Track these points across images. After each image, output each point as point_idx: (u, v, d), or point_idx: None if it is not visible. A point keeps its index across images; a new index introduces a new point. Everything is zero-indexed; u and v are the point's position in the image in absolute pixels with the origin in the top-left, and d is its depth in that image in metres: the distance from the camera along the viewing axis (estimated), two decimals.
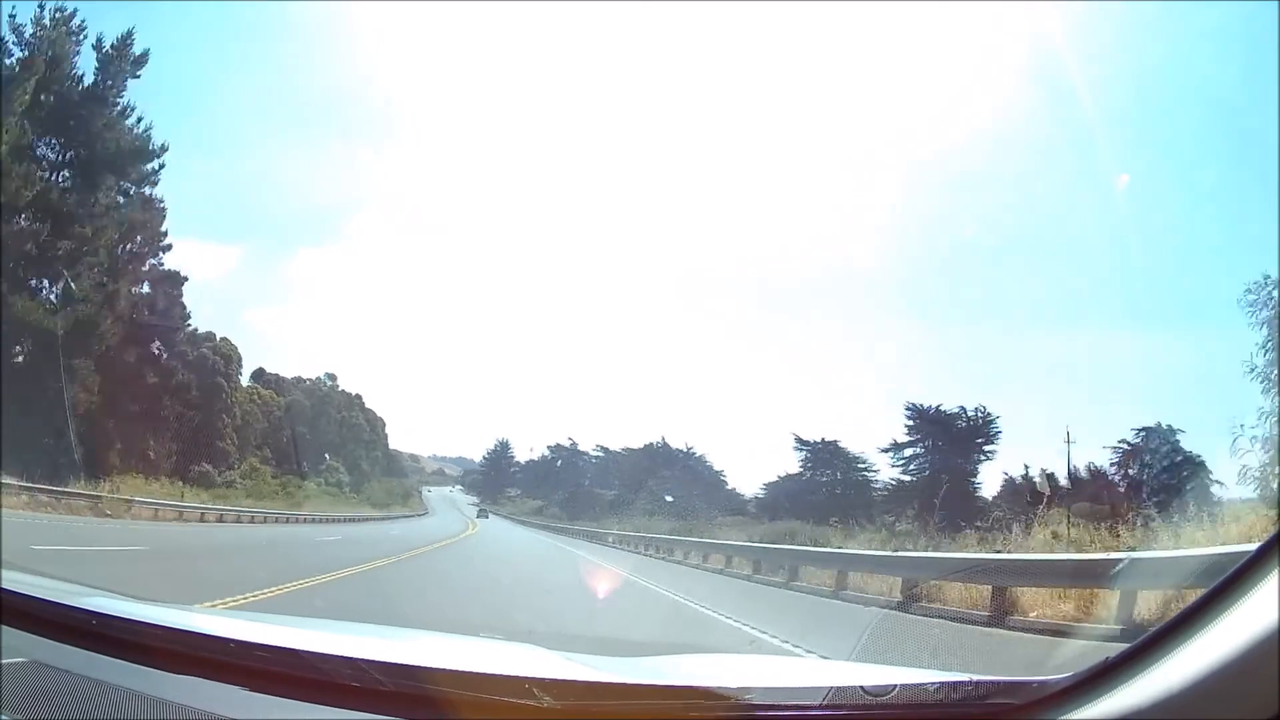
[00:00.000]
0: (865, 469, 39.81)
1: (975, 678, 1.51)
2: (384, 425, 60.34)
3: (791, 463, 41.79)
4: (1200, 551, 6.99)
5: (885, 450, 37.94)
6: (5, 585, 2.03)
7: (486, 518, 55.42)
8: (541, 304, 72.22)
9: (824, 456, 40.78)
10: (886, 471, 38.45)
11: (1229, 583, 1.15)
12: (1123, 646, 1.29)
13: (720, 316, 62.76)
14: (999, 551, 11.79)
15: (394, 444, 64.03)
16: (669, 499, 41.11)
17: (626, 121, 62.04)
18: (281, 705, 1.57)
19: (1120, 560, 7.38)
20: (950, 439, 35.85)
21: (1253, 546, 1.17)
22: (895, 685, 1.51)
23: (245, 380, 48.73)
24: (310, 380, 54.52)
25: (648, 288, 66.72)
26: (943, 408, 36.59)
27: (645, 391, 70.21)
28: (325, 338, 75.61)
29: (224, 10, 49.09)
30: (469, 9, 48.00)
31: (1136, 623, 6.47)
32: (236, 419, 44.42)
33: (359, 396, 56.54)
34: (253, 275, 59.19)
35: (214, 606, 5.91)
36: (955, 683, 1.51)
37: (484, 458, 65.42)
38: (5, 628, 1.87)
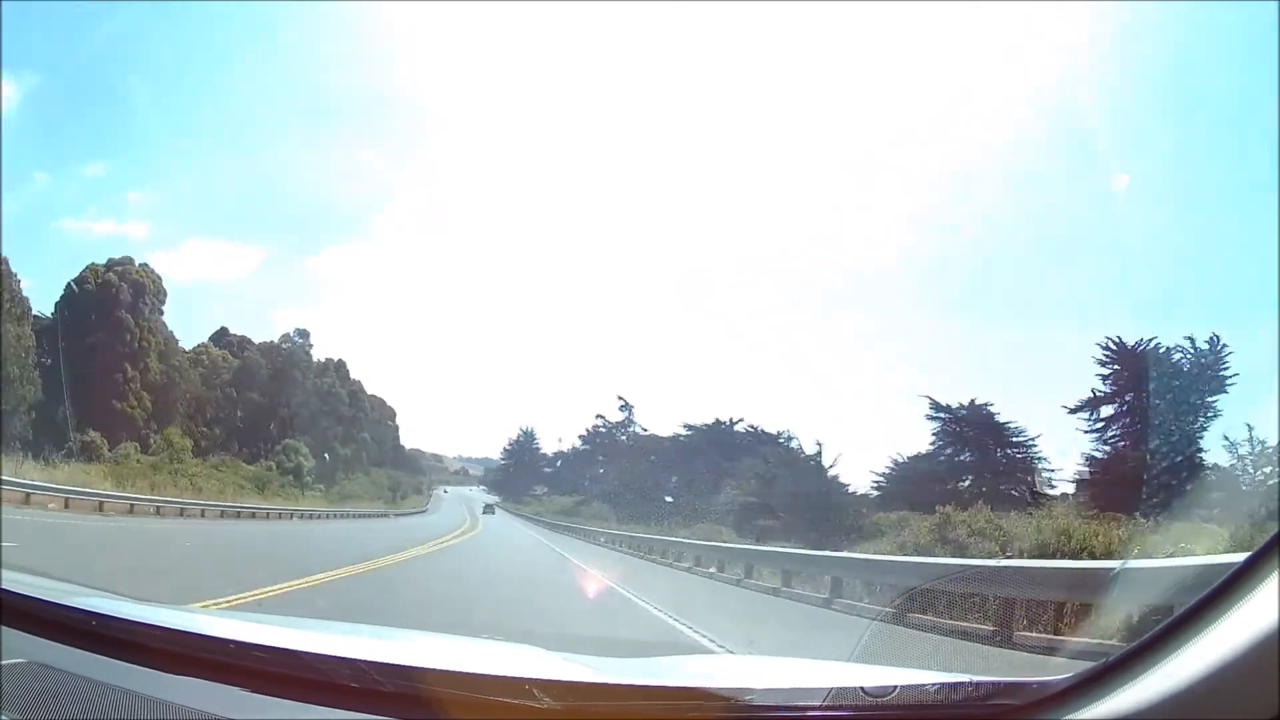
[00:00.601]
0: (1025, 442, 28.87)
1: (975, 679, 1.51)
2: (394, 415, 54.61)
3: (916, 439, 31.39)
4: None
5: (1076, 410, 26.15)
6: (5, 585, 2.04)
7: (492, 513, 50.76)
8: (572, 295, 69.11)
9: (966, 429, 29.56)
10: (1063, 441, 28.55)
11: (1229, 583, 1.15)
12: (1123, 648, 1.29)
13: (796, 279, 58.10)
14: None
15: (420, 444, 60.64)
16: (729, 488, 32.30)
17: (656, 107, 59.92)
18: (280, 706, 1.58)
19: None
20: (1169, 389, 23.36)
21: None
22: (895, 686, 1.51)
23: (204, 338, 40.14)
24: (275, 340, 44.24)
25: (695, 265, 63.48)
26: (1158, 343, 24.00)
27: (700, 377, 64.18)
28: (351, 337, 74.47)
29: (248, 8, 48.73)
30: (493, 9, 47.60)
31: None
32: (151, 374, 33.30)
33: (341, 363, 47.28)
34: (278, 275, 58.02)
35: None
36: (955, 684, 1.51)
37: (505, 451, 57.21)
38: (5, 628, 1.87)
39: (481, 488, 63.59)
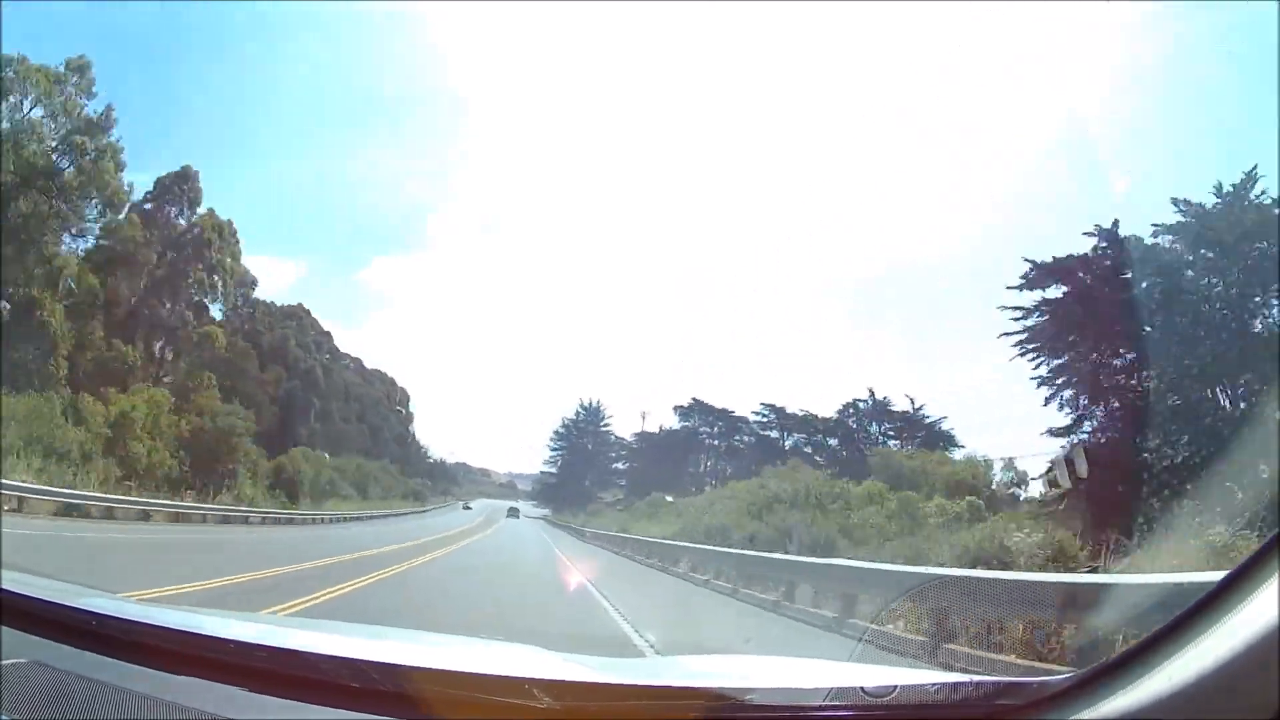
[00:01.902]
0: None
1: (976, 678, 1.51)
2: (407, 400, 44.26)
3: None
4: None
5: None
6: (5, 585, 2.04)
7: (516, 516, 39.86)
8: (617, 301, 66.62)
9: None
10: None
11: (1230, 583, 1.15)
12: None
13: None
14: None
15: (466, 458, 55.32)
16: None
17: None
18: (281, 706, 1.57)
19: None
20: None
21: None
22: (895, 686, 1.51)
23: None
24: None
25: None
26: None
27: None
28: (401, 352, 71.29)
29: (282, 12, 47.08)
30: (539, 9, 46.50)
31: None
32: None
33: (211, 214, 29.51)
34: (323, 289, 54.87)
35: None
36: (956, 683, 1.51)
37: (556, 437, 38.40)
38: (5, 628, 1.87)
39: (531, 503, 52.86)
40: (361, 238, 63.26)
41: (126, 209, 29.33)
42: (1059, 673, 1.45)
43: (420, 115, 61.89)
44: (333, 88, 56.26)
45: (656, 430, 34.90)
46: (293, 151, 57.71)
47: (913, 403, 32.91)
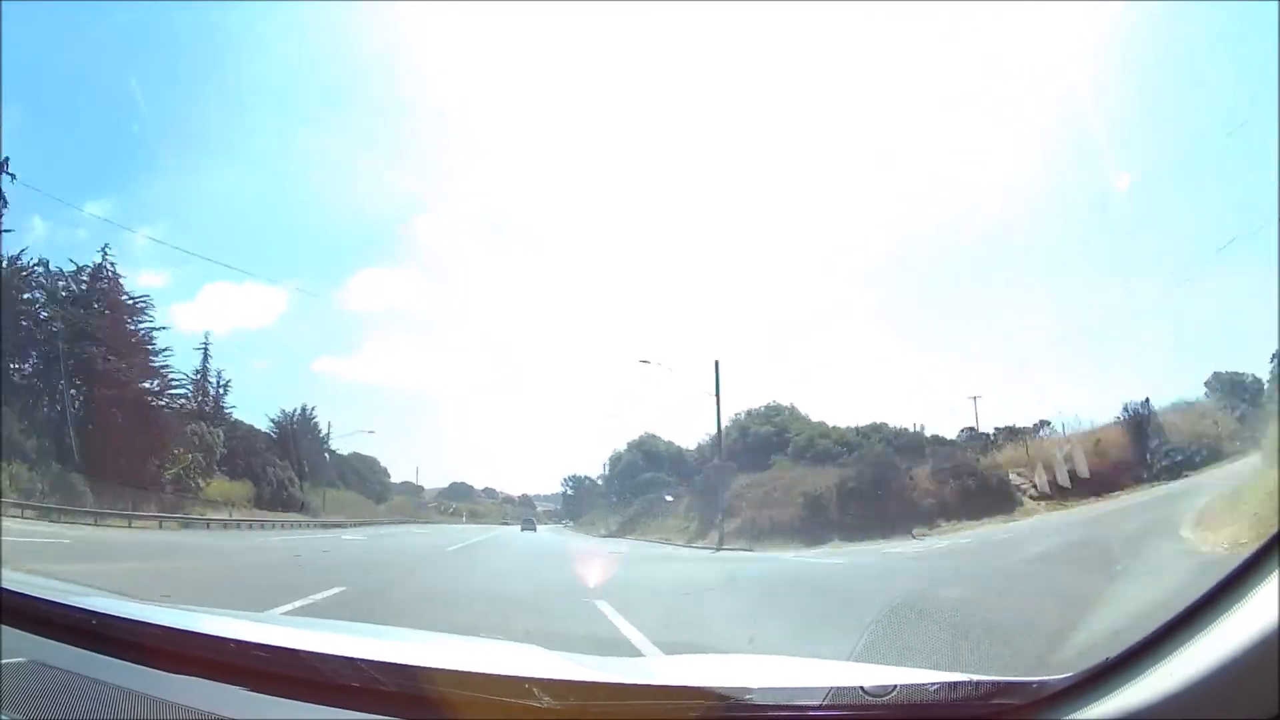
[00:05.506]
0: None
1: (975, 678, 1.52)
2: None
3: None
4: None
5: None
6: (5, 585, 2.04)
7: (533, 529, 37.41)
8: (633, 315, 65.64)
9: None
10: None
11: (1229, 582, 1.15)
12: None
13: None
14: None
15: (469, 479, 52.41)
16: None
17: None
18: (281, 705, 1.57)
19: None
20: None
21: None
22: (895, 686, 1.51)
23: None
24: None
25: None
26: None
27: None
28: (403, 369, 67.74)
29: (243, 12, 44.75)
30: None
31: None
32: None
33: None
34: (308, 315, 51.25)
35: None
36: (955, 683, 1.51)
37: None
38: (5, 628, 1.87)
39: (565, 524, 52.93)
40: (344, 249, 61.01)
41: None
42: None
43: (404, 113, 58.58)
44: (303, 86, 53.67)
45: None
46: (258, 161, 55.24)
47: None
